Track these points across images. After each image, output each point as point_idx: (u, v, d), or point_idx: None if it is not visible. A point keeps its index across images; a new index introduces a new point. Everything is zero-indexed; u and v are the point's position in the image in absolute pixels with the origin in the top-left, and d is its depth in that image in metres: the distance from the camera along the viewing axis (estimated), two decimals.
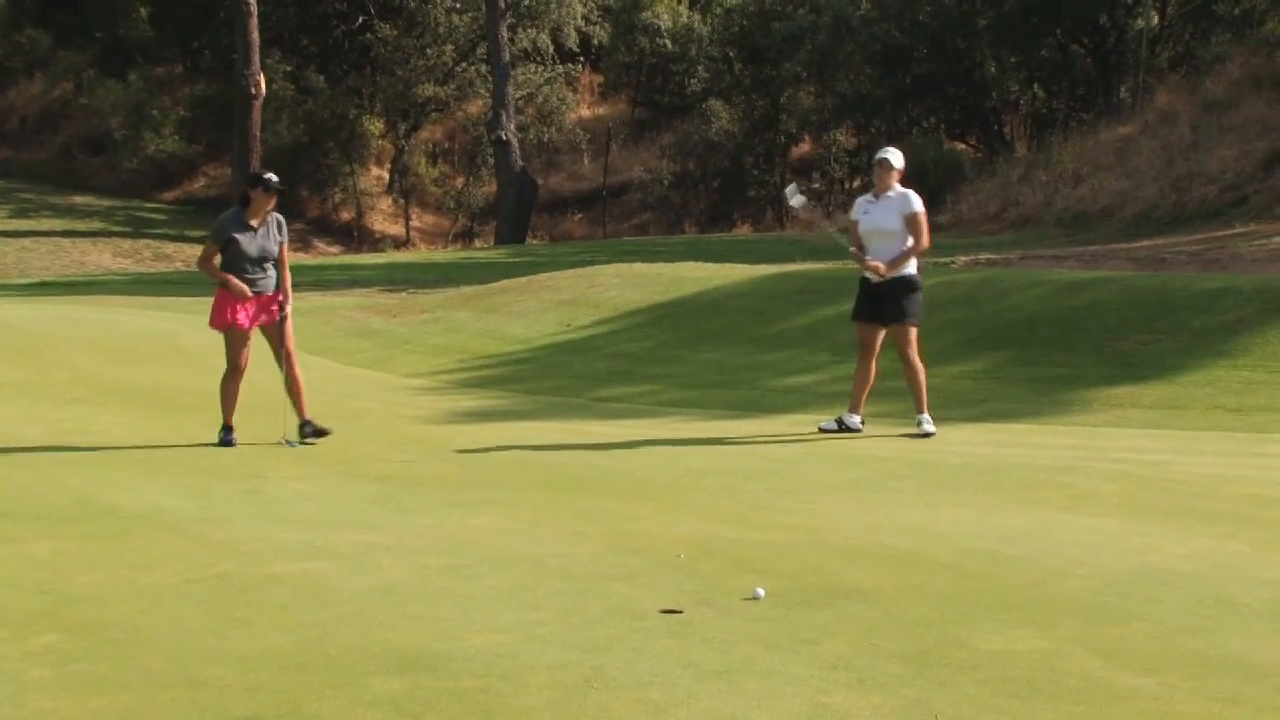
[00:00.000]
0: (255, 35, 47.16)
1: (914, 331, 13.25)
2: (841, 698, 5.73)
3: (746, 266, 24.57)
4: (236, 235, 13.05)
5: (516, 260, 36.16)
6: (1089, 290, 18.19)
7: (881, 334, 13.37)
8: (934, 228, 38.84)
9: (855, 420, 13.55)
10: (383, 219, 54.77)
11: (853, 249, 13.40)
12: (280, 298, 13.27)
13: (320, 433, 13.26)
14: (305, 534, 8.90)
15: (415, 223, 54.60)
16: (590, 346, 19.94)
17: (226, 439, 13.07)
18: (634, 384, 17.28)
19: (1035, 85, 49.04)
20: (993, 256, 24.74)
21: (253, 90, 46.93)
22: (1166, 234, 28.89)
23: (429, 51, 55.03)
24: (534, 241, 50.24)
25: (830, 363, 17.36)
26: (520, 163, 50.03)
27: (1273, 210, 29.28)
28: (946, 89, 47.81)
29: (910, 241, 13.12)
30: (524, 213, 50.29)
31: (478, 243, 52.67)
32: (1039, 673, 6.03)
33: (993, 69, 47.22)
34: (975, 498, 10.19)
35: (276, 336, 13.37)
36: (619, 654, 6.30)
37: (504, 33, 49.52)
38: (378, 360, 20.36)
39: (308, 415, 13.33)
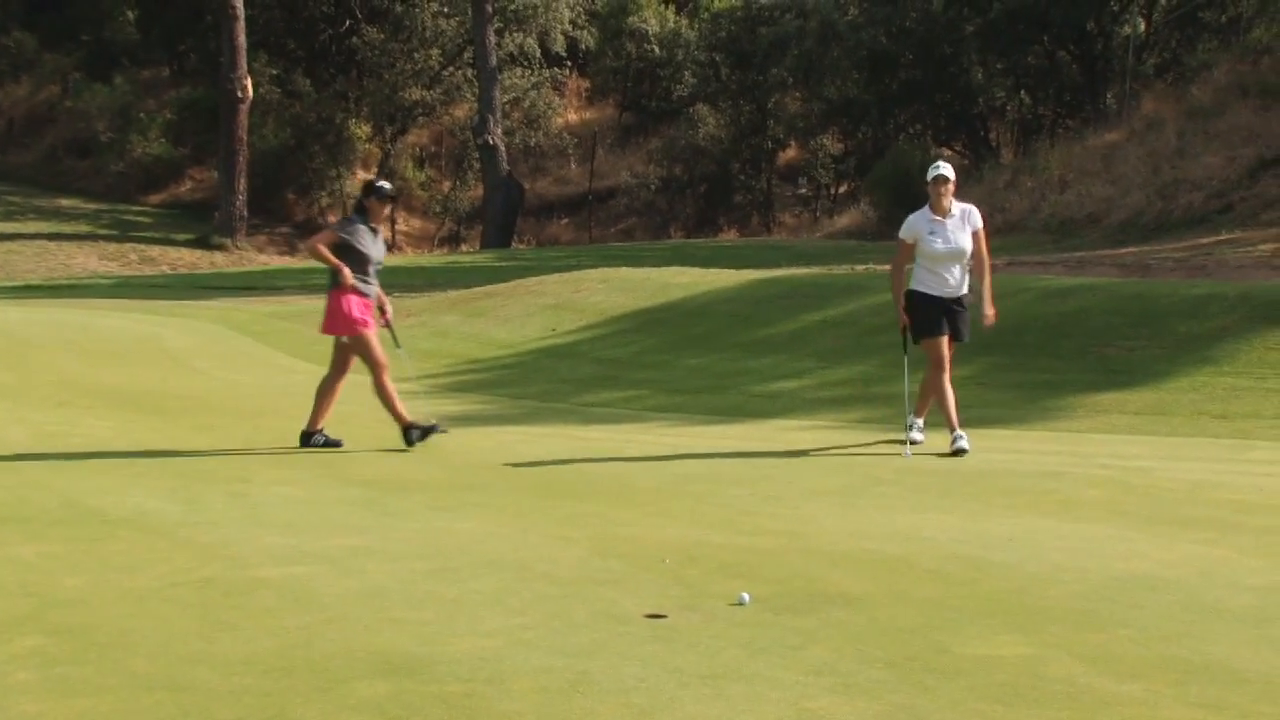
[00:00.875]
0: (242, 39, 47.13)
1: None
2: (826, 703, 5.73)
3: (733, 272, 24.58)
4: (358, 236, 13.24)
5: (503, 264, 36.15)
6: (1075, 296, 18.23)
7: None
8: None
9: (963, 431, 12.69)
10: None
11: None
12: (381, 304, 13.48)
13: (425, 433, 13.42)
14: (290, 538, 8.89)
15: (401, 227, 54.56)
16: (576, 351, 19.94)
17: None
18: (619, 389, 17.29)
19: (1022, 92, 49.11)
20: None
21: (239, 94, 46.90)
22: (1152, 241, 28.94)
23: (416, 55, 55.01)
24: (520, 246, 50.24)
25: (816, 368, 17.38)
26: (507, 167, 50.03)
27: (1258, 217, 29.33)
28: (933, 95, 47.87)
29: (973, 259, 12.69)
30: (510, 217, 50.29)
31: (464, 247, 52.68)
32: (1023, 678, 6.04)
33: (979, 75, 47.30)
34: (961, 504, 10.20)
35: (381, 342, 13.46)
36: (604, 659, 6.30)
37: (491, 37, 49.51)
38: (363, 365, 20.32)
39: (408, 418, 13.49)
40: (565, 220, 55.81)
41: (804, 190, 54.91)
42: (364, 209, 13.37)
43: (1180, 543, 8.85)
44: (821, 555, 8.46)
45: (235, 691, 5.89)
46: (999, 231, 34.46)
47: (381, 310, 13.47)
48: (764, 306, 20.19)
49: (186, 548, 8.62)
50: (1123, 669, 6.18)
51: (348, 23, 55.30)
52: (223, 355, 20.80)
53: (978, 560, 8.24)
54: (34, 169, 54.99)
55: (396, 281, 32.74)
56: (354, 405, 16.25)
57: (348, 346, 13.43)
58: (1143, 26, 46.15)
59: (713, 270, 24.88)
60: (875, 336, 18.29)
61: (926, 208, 12.58)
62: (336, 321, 13.27)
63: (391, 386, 13.41)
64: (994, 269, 13.21)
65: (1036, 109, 49.17)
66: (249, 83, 47.42)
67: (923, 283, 12.59)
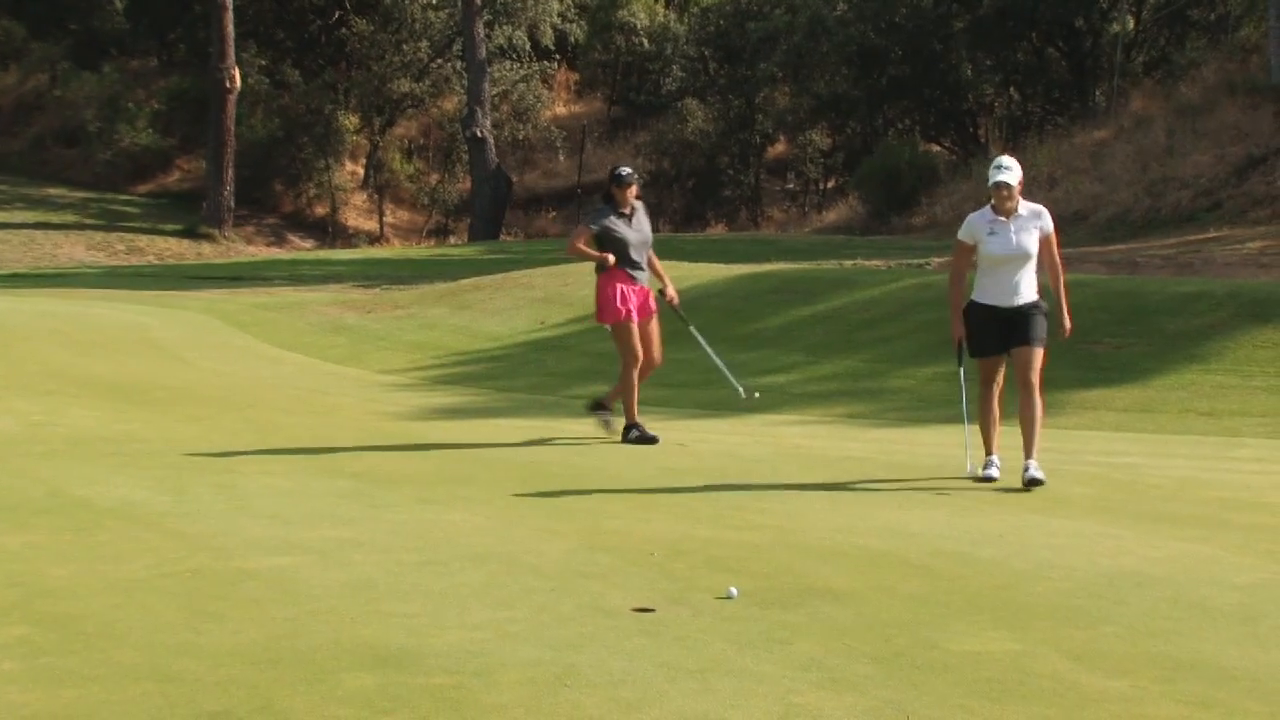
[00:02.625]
0: (230, 29, 47.06)
1: (1040, 358, 11.12)
2: (813, 697, 5.74)
3: (721, 266, 24.58)
4: (610, 223, 13.52)
5: (491, 257, 36.14)
6: None
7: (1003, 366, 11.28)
8: (908, 229, 39.02)
9: (998, 459, 11.26)
10: (357, 214, 54.65)
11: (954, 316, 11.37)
12: (652, 292, 13.71)
13: (641, 439, 13.38)
14: (278, 529, 8.89)
15: (389, 219, 54.50)
16: (564, 345, 19.94)
17: (635, 436, 13.35)
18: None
19: (1011, 88, 49.14)
20: None
21: (228, 84, 46.83)
22: (1140, 238, 28.98)
23: (405, 47, 54.94)
24: (508, 239, 50.20)
25: (804, 363, 17.39)
26: (495, 160, 49.98)
27: (1246, 215, 29.39)
28: (922, 91, 47.88)
29: (1034, 266, 11.15)
30: (498, 210, 50.25)
31: (452, 239, 52.60)
32: (1010, 674, 6.05)
33: (968, 71, 47.31)
34: (948, 499, 10.22)
35: (653, 330, 13.67)
36: (591, 652, 6.30)
37: (480, 29, 49.45)
38: (351, 356, 20.32)
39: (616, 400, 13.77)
40: (553, 214, 55.75)
41: (792, 185, 54.88)
42: (610, 196, 13.66)
43: (1167, 540, 8.87)
44: (809, 550, 8.46)
45: (222, 682, 5.89)
46: None
47: (661, 294, 13.75)
48: (752, 301, 20.20)
49: (174, 538, 8.61)
50: (1109, 665, 6.19)
51: (337, 14, 55.19)
52: (210, 346, 20.77)
53: (965, 556, 8.25)
54: (21, 158, 54.83)
55: (384, 274, 32.77)
56: (341, 397, 16.25)
57: (645, 329, 13.69)
58: (1132, 24, 46.18)
59: (701, 265, 24.87)
60: (863, 331, 18.32)
61: (989, 206, 11.11)
62: (601, 310, 13.64)
63: (636, 384, 13.52)
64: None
65: (1025, 106, 49.19)
66: (237, 73, 47.35)
67: (982, 291, 11.14)
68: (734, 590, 7.30)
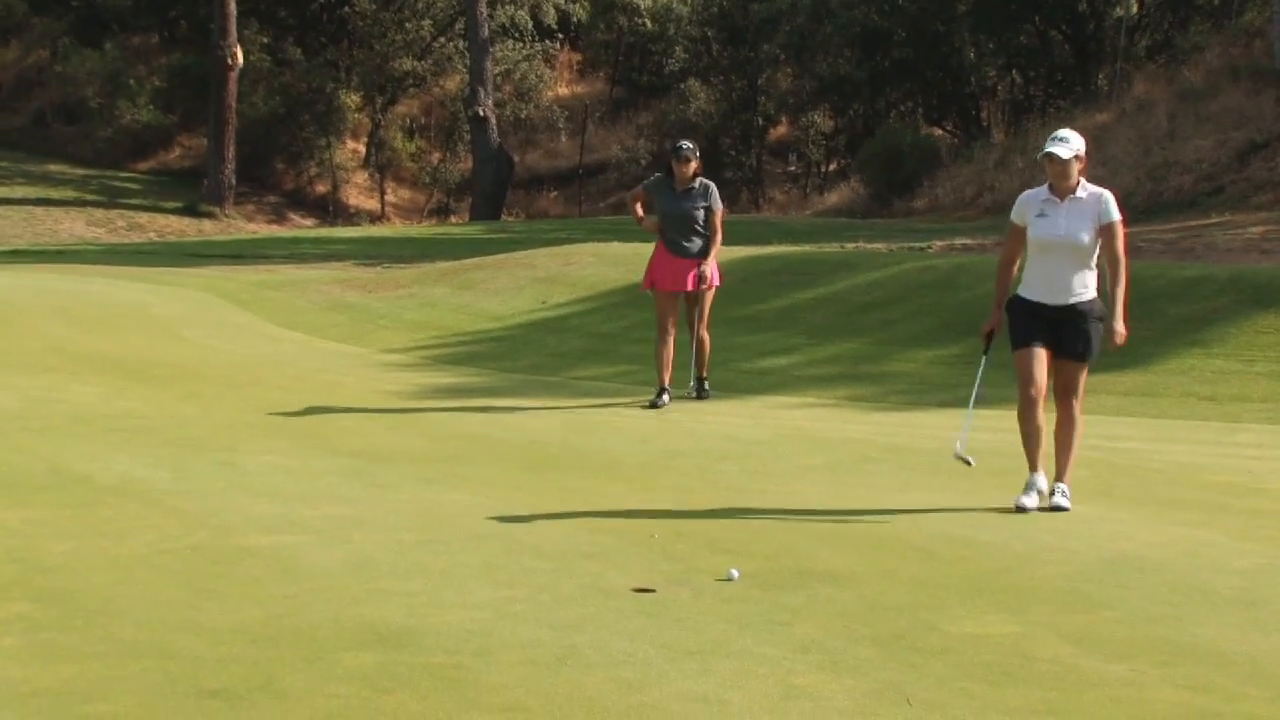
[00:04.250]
0: (232, 6, 46.94)
1: (1085, 374, 9.63)
2: (813, 679, 5.74)
3: (722, 248, 24.51)
4: (656, 192, 14.42)
5: (492, 237, 36.10)
6: None
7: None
8: (910, 212, 38.99)
9: (1040, 480, 9.53)
10: (358, 193, 54.57)
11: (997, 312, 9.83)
12: (703, 265, 14.29)
13: (703, 395, 14.54)
14: (278, 507, 8.89)
15: (391, 197, 54.42)
16: (566, 325, 19.93)
17: (655, 400, 14.16)
18: (609, 364, 17.28)
19: (1013, 71, 49.02)
20: (968, 242, 24.72)
21: (229, 61, 46.72)
22: (1142, 222, 28.90)
23: (407, 26, 54.80)
24: (509, 218, 50.15)
25: (805, 345, 17.38)
26: (497, 139, 49.89)
27: (1249, 200, 29.34)
28: (925, 73, 47.75)
29: (1093, 263, 9.51)
30: (500, 189, 50.18)
31: (453, 219, 52.54)
32: (1010, 658, 6.05)
33: (971, 54, 47.19)
34: (949, 482, 10.21)
35: (693, 304, 14.38)
36: (591, 632, 6.31)
37: (483, 8, 49.32)
38: (352, 335, 20.31)
39: (706, 373, 14.66)
40: (555, 194, 55.67)
41: (794, 167, 54.80)
42: (669, 168, 14.33)
43: (1168, 524, 8.88)
44: (810, 532, 8.47)
45: (222, 660, 5.89)
46: (988, 211, 34.51)
47: (702, 275, 14.32)
48: (753, 283, 20.16)
49: (174, 515, 8.62)
50: (1109, 649, 6.20)
51: None
52: (210, 323, 20.75)
53: (966, 539, 8.26)
54: (22, 134, 54.70)
55: (385, 252, 32.75)
56: (342, 375, 16.25)
57: (688, 302, 14.45)
58: (1135, 8, 46.06)
59: None
60: (865, 314, 18.30)
61: (1046, 185, 9.60)
62: (643, 278, 14.73)
63: (659, 350, 14.30)
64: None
65: (1028, 89, 49.07)
66: (239, 50, 47.22)
67: (1027, 284, 9.59)
68: (735, 572, 7.30)
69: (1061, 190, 9.45)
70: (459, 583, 7.13)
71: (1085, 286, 9.42)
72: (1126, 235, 8.96)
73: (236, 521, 8.47)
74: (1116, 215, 9.44)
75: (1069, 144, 9.41)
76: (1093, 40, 45.43)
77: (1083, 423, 9.52)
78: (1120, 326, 9.38)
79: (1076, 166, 9.42)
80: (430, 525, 8.46)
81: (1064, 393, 9.53)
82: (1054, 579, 7.41)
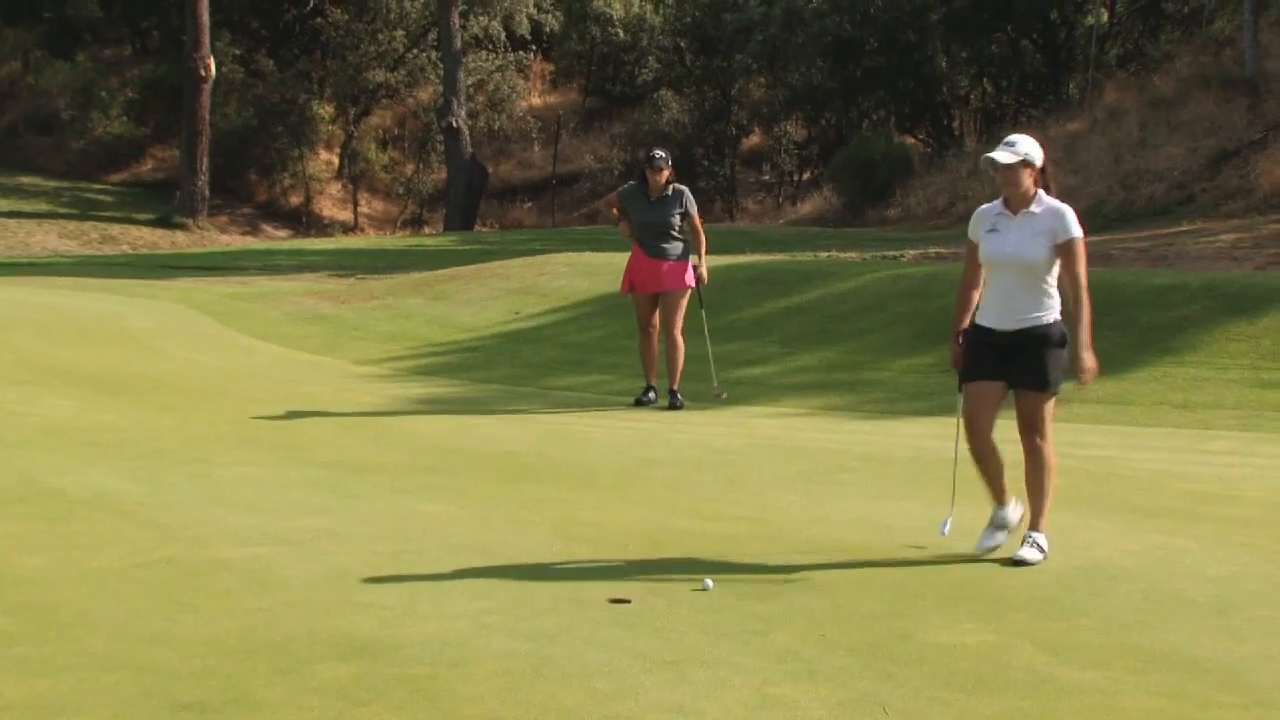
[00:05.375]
0: (205, 17, 46.88)
1: (1052, 404, 8.53)
2: (789, 689, 5.75)
3: (695, 257, 24.51)
4: (629, 199, 14.67)
5: (466, 248, 36.08)
6: None
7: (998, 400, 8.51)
8: (883, 221, 39.04)
9: (1008, 514, 8.47)
10: (331, 204, 54.52)
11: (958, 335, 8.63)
12: (681, 267, 14.76)
13: (676, 405, 14.66)
14: (252, 519, 8.87)
15: (364, 208, 54.38)
16: (540, 335, 19.92)
17: (640, 398, 14.90)
18: (584, 373, 17.29)
19: (985, 80, 49.18)
20: (942, 251, 24.80)
21: (202, 73, 46.65)
22: (1114, 230, 29.02)
23: (380, 37, 54.77)
24: (483, 229, 50.13)
25: (779, 355, 17.39)
26: (470, 150, 49.89)
27: (1220, 208, 29.48)
28: (897, 82, 47.88)
29: (1053, 284, 8.39)
30: (473, 200, 50.17)
31: (427, 229, 52.51)
32: (986, 666, 6.07)
33: (943, 63, 47.32)
34: (923, 491, 10.22)
35: (666, 306, 14.73)
36: (567, 643, 6.31)
37: (455, 19, 49.33)
38: (326, 346, 20.28)
39: (677, 385, 14.73)
40: (529, 204, 55.67)
41: (767, 176, 54.85)
42: (643, 176, 14.65)
43: (1141, 532, 8.90)
44: (785, 542, 8.48)
45: (197, 673, 5.88)
46: (961, 220, 34.59)
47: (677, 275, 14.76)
48: (727, 292, 20.17)
49: (148, 528, 8.60)
50: (1084, 658, 6.21)
51: (311, 3, 55.00)
52: (184, 335, 20.70)
53: (941, 548, 8.27)
54: None
55: (359, 264, 32.72)
56: (316, 387, 16.23)
57: (663, 304, 14.80)
58: (1106, 16, 46.26)
59: None
60: (839, 323, 18.33)
61: (1001, 199, 8.46)
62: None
63: (644, 349, 14.93)
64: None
65: (1000, 98, 49.24)
66: (212, 62, 47.15)
67: (981, 309, 8.53)
68: (709, 582, 7.31)
69: (1013, 203, 8.33)
70: (434, 594, 7.13)
71: (1042, 309, 8.29)
72: (1088, 248, 8.34)
73: (211, 534, 8.45)
74: (1076, 232, 8.24)
75: (1014, 148, 8.26)
76: (1064, 49, 45.61)
77: (1054, 459, 8.41)
78: (1088, 360, 8.31)
79: (1026, 174, 8.24)
80: (405, 536, 8.45)
81: (1025, 428, 8.43)
82: (1029, 587, 7.43)
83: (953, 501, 8.46)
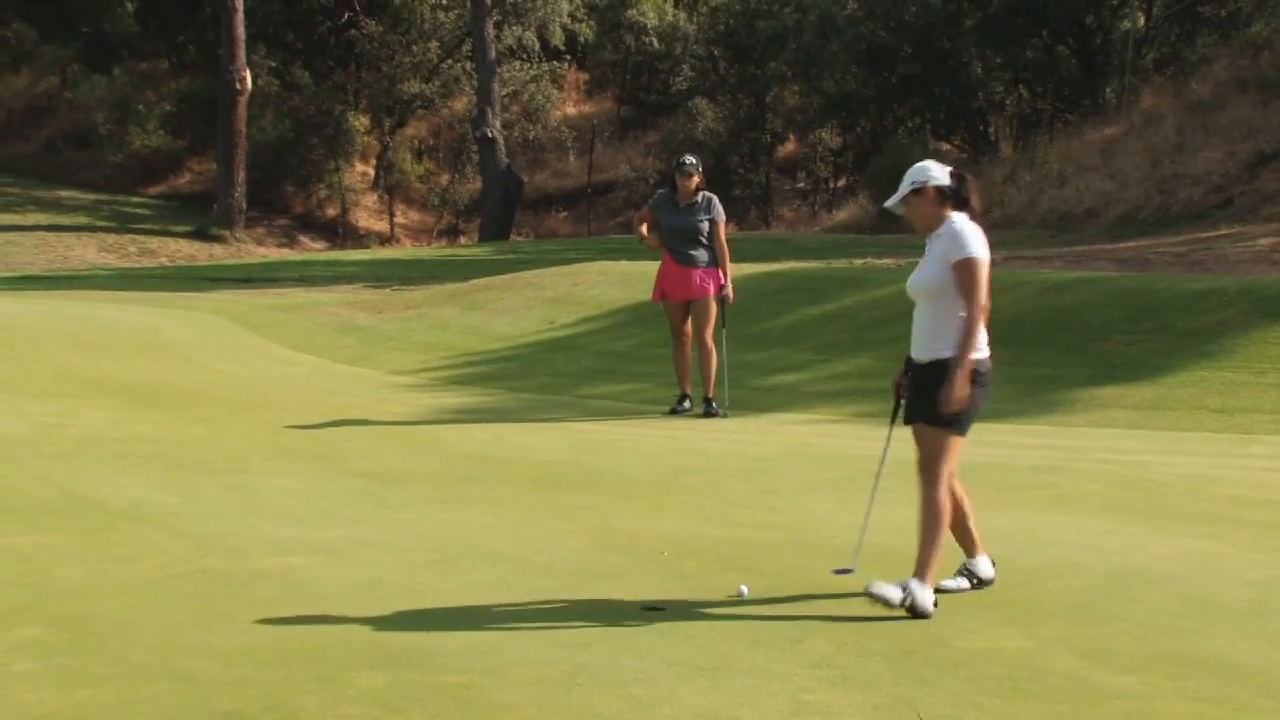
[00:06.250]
0: (240, 31, 47.06)
1: (948, 443, 7.67)
2: (824, 695, 5.75)
3: (730, 265, 24.50)
4: (662, 211, 14.77)
5: (501, 257, 36.14)
6: (1073, 291, 18.22)
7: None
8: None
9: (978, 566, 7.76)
10: (367, 215, 54.66)
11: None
12: (711, 275, 14.84)
13: (711, 413, 14.72)
14: (289, 529, 8.91)
15: (400, 219, 54.49)
16: (574, 344, 19.94)
17: (675, 407, 14.96)
18: (618, 382, 17.29)
19: (1021, 86, 49.02)
20: None
21: (238, 86, 46.84)
22: (1151, 235, 28.91)
23: (414, 48, 54.91)
24: (518, 239, 50.19)
25: (813, 362, 17.38)
26: (505, 160, 49.95)
27: (1258, 212, 29.31)
28: (932, 89, 47.80)
29: (955, 311, 7.51)
30: (509, 210, 50.24)
31: (462, 240, 52.59)
32: (1021, 671, 6.05)
33: (978, 69, 47.22)
34: None
35: (697, 313, 14.81)
36: (602, 651, 6.32)
37: (490, 30, 49.44)
38: (362, 356, 20.33)
39: (712, 394, 14.83)
40: (564, 214, 55.72)
41: (802, 184, 54.80)
42: (674, 183, 14.76)
43: (1178, 537, 8.87)
44: (819, 548, 8.48)
45: (235, 682, 5.91)
46: (996, 226, 34.54)
47: (703, 283, 14.80)
48: (762, 300, 20.17)
49: (185, 539, 8.64)
50: (1120, 663, 6.20)
51: (346, 15, 55.19)
52: (221, 347, 20.79)
53: None
54: (33, 160, 54.84)
55: (395, 274, 32.79)
56: (352, 397, 16.27)
57: (694, 312, 14.88)
58: (1142, 21, 46.08)
59: None
60: (873, 331, 18.28)
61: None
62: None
63: (677, 357, 14.98)
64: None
65: (1035, 103, 49.07)
66: (247, 75, 47.33)
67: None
68: (744, 589, 7.31)
69: (927, 232, 7.77)
70: (470, 602, 7.15)
71: (938, 338, 7.56)
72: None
73: (247, 544, 8.49)
74: (968, 253, 7.46)
75: (903, 185, 7.77)
76: (1100, 54, 45.43)
77: (944, 509, 7.51)
78: (958, 387, 7.41)
79: (921, 202, 7.70)
80: (440, 545, 8.47)
81: (919, 464, 7.73)
82: (1064, 593, 7.40)
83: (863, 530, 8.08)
